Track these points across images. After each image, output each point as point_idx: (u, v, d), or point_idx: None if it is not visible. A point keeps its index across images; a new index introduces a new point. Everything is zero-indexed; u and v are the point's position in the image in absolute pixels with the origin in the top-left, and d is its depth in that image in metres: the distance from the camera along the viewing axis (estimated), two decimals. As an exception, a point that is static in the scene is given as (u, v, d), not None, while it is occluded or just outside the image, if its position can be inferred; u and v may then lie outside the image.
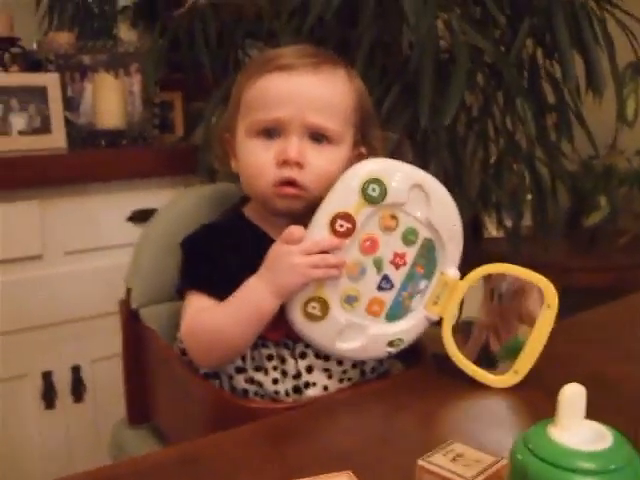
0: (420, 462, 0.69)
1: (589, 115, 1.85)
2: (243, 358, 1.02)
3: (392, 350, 1.00)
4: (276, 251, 0.96)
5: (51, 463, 1.89)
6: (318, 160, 1.00)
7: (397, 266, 0.98)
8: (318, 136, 1.01)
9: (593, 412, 0.60)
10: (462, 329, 1.02)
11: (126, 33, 2.34)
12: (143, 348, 1.18)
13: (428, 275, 1.00)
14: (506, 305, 1.00)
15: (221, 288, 0.98)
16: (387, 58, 1.76)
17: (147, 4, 2.31)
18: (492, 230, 2.33)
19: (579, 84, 1.73)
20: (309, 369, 1.02)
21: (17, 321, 1.81)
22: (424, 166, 1.90)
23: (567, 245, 2.39)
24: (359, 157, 1.08)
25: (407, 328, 1.00)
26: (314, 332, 0.97)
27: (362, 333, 0.99)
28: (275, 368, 1.02)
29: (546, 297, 0.96)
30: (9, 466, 1.83)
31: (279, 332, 1.00)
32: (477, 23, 1.78)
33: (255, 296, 0.95)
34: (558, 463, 0.55)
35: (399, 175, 0.96)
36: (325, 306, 0.96)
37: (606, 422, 0.60)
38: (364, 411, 0.91)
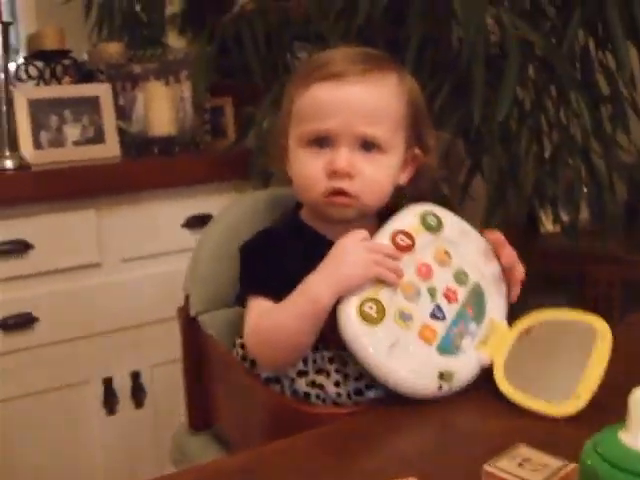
0: (486, 467, 0.68)
1: (645, 106, 1.81)
2: (305, 361, 1.02)
3: (444, 384, 0.94)
4: (341, 245, 0.96)
5: (114, 469, 1.91)
6: (368, 169, 1.01)
7: (449, 300, 0.98)
8: (368, 145, 1.01)
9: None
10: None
11: (175, 40, 2.36)
12: (203, 354, 1.19)
13: (478, 319, 0.99)
14: None
15: (280, 290, 0.99)
16: (437, 55, 1.74)
17: (195, 11, 2.33)
18: (548, 225, 2.30)
19: (634, 74, 1.70)
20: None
21: (77, 329, 1.84)
22: (477, 163, 1.90)
23: (626, 238, 2.34)
24: (414, 159, 1.08)
25: (459, 365, 0.96)
26: (366, 336, 0.92)
27: (413, 356, 0.94)
28: (337, 371, 1.01)
29: (600, 332, 0.95)
30: (72, 473, 1.86)
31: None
32: (527, 16, 1.75)
33: (312, 289, 0.95)
34: (629, 468, 0.54)
35: (452, 217, 1.05)
36: (382, 309, 0.94)
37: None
38: (424, 415, 0.90)
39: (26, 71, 2.14)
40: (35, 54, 2.16)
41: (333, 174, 1.00)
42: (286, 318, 0.96)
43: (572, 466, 0.67)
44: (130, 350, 1.91)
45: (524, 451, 0.71)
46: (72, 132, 1.96)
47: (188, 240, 1.90)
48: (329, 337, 0.99)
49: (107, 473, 1.91)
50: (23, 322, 1.76)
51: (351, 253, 0.95)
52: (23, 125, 1.90)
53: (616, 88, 1.80)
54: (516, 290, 1.06)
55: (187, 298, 1.22)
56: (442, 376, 0.93)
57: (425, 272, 0.98)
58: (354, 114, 0.99)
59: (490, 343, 0.98)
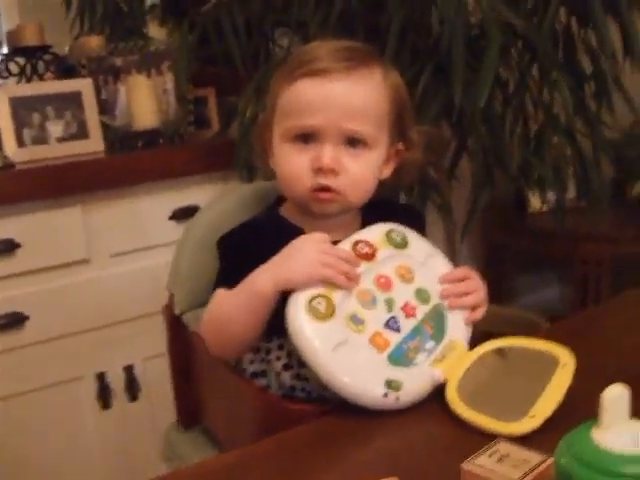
0: (464, 466, 0.68)
1: (628, 82, 1.80)
2: (289, 355, 1.03)
3: (390, 392, 0.89)
4: (296, 243, 0.97)
5: (110, 463, 1.92)
6: (353, 165, 1.02)
7: (407, 315, 0.97)
8: (353, 141, 1.01)
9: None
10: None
11: (156, 31, 2.35)
12: (189, 352, 1.19)
13: (436, 338, 0.97)
14: None
15: None
16: (418, 39, 1.73)
17: (175, 1, 2.31)
18: (536, 204, 2.30)
19: (615, 51, 1.69)
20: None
21: (68, 326, 1.84)
22: (462, 145, 1.89)
23: (613, 216, 2.35)
24: (397, 154, 1.09)
25: (409, 377, 0.91)
26: (312, 331, 0.90)
27: (360, 359, 0.91)
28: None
29: (562, 358, 0.91)
30: (69, 467, 1.87)
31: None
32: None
33: (255, 281, 0.96)
34: (601, 467, 0.55)
35: (420, 241, 1.05)
36: (331, 307, 0.92)
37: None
38: (408, 411, 0.90)
39: (7, 68, 2.12)
40: (15, 50, 2.14)
41: (318, 170, 1.00)
42: (230, 307, 0.98)
43: (551, 460, 0.67)
44: (122, 344, 1.91)
45: (503, 447, 0.71)
46: (55, 129, 1.94)
47: (176, 233, 1.89)
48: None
49: (104, 467, 1.91)
50: (14, 321, 1.76)
51: (302, 251, 0.95)
52: (5, 123, 1.89)
53: (599, 66, 1.79)
54: (474, 315, 1.03)
55: (171, 297, 1.22)
56: (389, 384, 0.89)
57: (384, 283, 0.97)
58: (339, 111, 0.99)
59: (446, 362, 0.95)
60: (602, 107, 1.83)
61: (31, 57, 2.11)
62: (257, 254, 1.01)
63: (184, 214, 1.93)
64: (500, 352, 0.95)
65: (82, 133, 1.97)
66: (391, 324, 0.95)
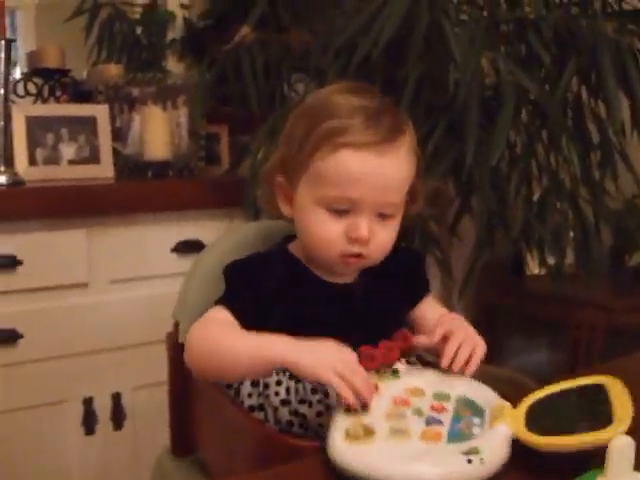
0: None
1: (634, 154, 1.84)
2: (287, 391, 1.04)
3: (473, 457, 0.81)
4: (326, 342, 0.95)
5: (90, 489, 1.90)
6: (383, 233, 1.05)
7: (439, 411, 0.92)
8: (385, 212, 1.04)
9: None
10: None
11: (174, 65, 2.38)
12: (189, 381, 1.20)
13: (478, 414, 0.92)
14: None
15: (250, 312, 1.02)
16: (433, 96, 1.77)
17: (195, 38, 2.36)
18: (534, 268, 2.33)
19: (624, 123, 1.73)
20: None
21: (61, 347, 1.83)
22: (467, 203, 1.92)
23: (610, 284, 2.37)
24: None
25: (480, 441, 0.85)
26: (365, 455, 0.82)
27: (426, 451, 0.83)
28: (319, 401, 1.03)
29: (605, 380, 0.90)
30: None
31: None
32: (522, 61, 1.78)
33: (270, 347, 0.95)
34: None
35: (403, 365, 1.01)
36: (369, 429, 0.86)
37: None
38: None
39: (24, 87, 2.15)
40: (34, 71, 2.17)
41: (354, 240, 1.02)
42: (231, 346, 0.98)
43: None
44: (112, 371, 1.90)
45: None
46: (68, 151, 1.97)
47: (176, 265, 1.91)
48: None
49: (82, 493, 1.90)
50: (6, 338, 1.76)
51: (326, 351, 0.93)
52: (19, 141, 1.91)
53: (606, 136, 1.83)
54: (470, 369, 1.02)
55: (176, 325, 1.23)
56: (467, 452, 0.82)
57: (402, 401, 0.93)
58: (379, 186, 1.01)
59: (503, 416, 0.89)
60: (606, 176, 1.87)
61: (49, 79, 2.14)
62: (263, 283, 1.04)
63: (187, 248, 1.94)
64: (549, 397, 0.93)
65: (94, 158, 2.00)
66: (431, 421, 0.90)
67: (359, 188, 1.00)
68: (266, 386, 1.06)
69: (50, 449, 1.85)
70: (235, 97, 2.03)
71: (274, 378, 1.05)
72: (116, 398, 1.92)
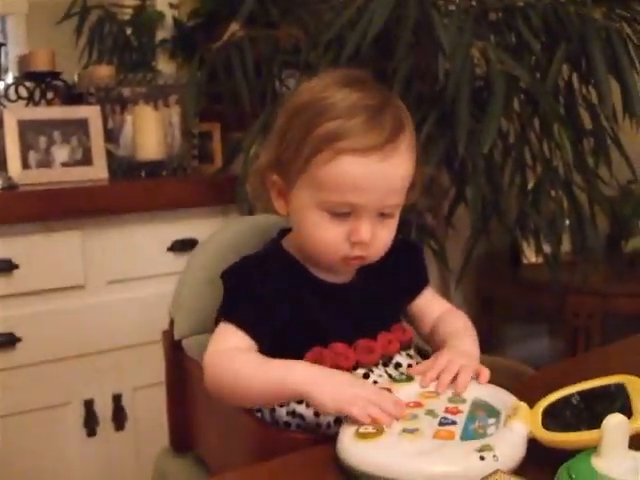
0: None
1: (626, 140, 1.84)
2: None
3: (485, 454, 0.79)
4: (357, 380, 0.96)
5: (93, 491, 1.91)
6: (383, 233, 1.03)
7: (453, 414, 0.90)
8: (386, 212, 1.02)
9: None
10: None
11: (165, 65, 2.38)
12: (186, 378, 1.20)
13: (494, 415, 0.90)
14: None
15: (259, 326, 1.00)
16: (423, 87, 1.77)
17: (185, 37, 2.35)
18: (531, 256, 2.33)
19: (615, 109, 1.73)
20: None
21: (60, 350, 1.83)
22: (461, 193, 1.92)
23: (606, 271, 2.37)
24: None
25: (494, 440, 0.83)
26: (372, 451, 0.82)
27: (438, 448, 0.82)
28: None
29: (629, 380, 0.87)
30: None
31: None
32: (512, 50, 1.78)
33: (293, 375, 0.94)
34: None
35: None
36: (380, 428, 0.86)
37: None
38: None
39: (16, 91, 2.15)
40: (25, 74, 2.17)
41: (356, 244, 1.01)
42: (251, 382, 0.96)
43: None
44: (112, 372, 1.91)
45: (502, 477, 0.72)
46: (60, 153, 1.97)
47: (172, 264, 1.91)
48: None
49: (86, 495, 1.90)
50: (5, 342, 1.76)
51: (355, 387, 0.92)
52: (12, 145, 1.91)
53: (598, 122, 1.83)
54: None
55: (172, 322, 1.23)
56: (480, 449, 0.80)
57: (415, 404, 0.92)
58: (381, 190, 0.99)
59: (517, 418, 0.86)
60: (600, 163, 1.87)
61: (41, 82, 2.14)
62: (261, 289, 1.03)
63: (182, 246, 1.94)
64: (566, 399, 0.89)
65: (86, 159, 2.00)
66: (444, 421, 0.88)
67: (361, 194, 0.98)
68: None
69: (52, 451, 1.86)
70: (226, 95, 2.02)
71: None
72: (117, 399, 1.92)
